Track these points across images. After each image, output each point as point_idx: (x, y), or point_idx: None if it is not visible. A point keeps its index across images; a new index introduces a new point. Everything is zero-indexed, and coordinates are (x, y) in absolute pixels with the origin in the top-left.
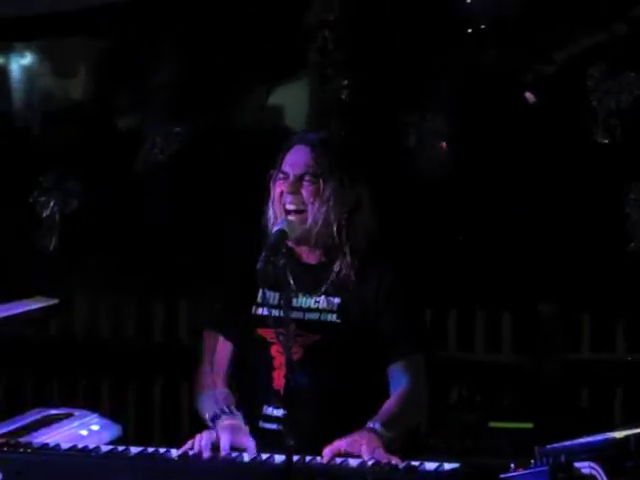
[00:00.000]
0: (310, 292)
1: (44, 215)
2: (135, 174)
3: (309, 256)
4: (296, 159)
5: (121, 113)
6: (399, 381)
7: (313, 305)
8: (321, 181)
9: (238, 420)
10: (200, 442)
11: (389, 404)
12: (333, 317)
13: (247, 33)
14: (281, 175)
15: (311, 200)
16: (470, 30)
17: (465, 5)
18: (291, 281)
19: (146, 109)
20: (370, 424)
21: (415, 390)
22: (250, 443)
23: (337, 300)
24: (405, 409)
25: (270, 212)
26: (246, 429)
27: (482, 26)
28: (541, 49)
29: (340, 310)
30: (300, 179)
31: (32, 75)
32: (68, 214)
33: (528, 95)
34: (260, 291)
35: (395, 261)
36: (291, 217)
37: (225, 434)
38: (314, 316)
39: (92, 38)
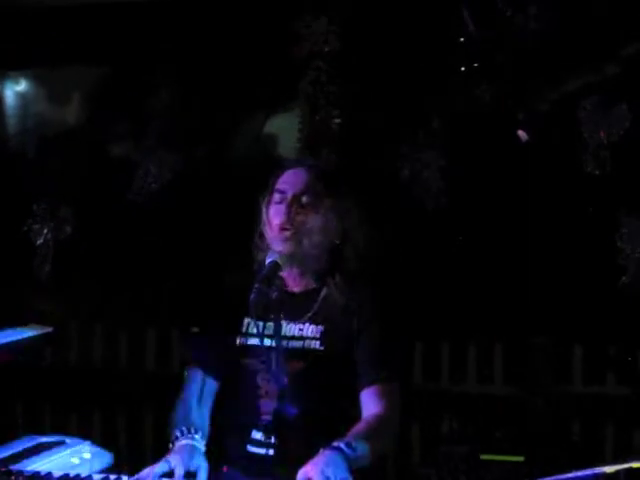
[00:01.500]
0: (294, 319)
1: (38, 243)
2: (128, 202)
3: (295, 283)
4: (293, 179)
5: (115, 141)
6: (371, 406)
7: (297, 333)
8: (318, 202)
9: (193, 441)
10: (153, 472)
11: (358, 427)
12: (316, 344)
13: (241, 63)
14: (277, 196)
15: (308, 221)
16: (463, 68)
17: (458, 43)
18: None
19: (140, 137)
20: (336, 443)
21: (387, 417)
22: (203, 465)
23: (321, 328)
24: (374, 433)
25: (263, 237)
26: (201, 450)
27: (475, 64)
28: (533, 88)
29: (323, 337)
30: (298, 199)
31: (27, 102)
32: (62, 241)
33: (521, 133)
34: (244, 320)
35: (377, 290)
36: (286, 235)
37: (176, 460)
38: (298, 344)
39: (87, 66)
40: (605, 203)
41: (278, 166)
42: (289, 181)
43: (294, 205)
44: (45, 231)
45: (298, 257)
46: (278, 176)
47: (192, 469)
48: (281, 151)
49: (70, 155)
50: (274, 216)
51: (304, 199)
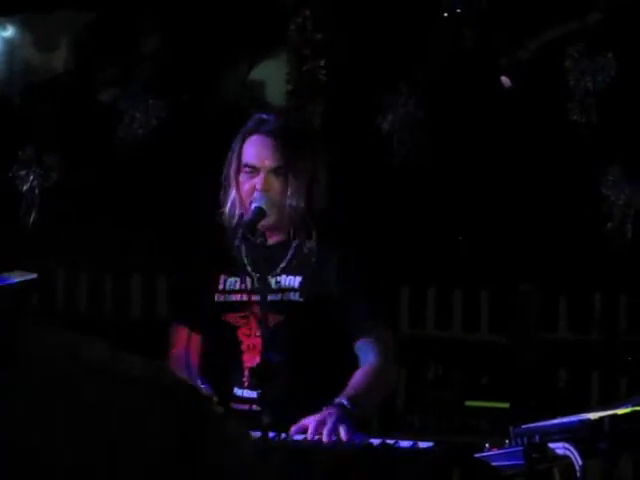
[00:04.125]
0: (270, 272)
1: (24, 189)
2: (114, 148)
3: (267, 236)
4: (261, 151)
5: (102, 87)
6: (367, 356)
7: (274, 285)
8: (289, 174)
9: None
10: None
11: (356, 379)
12: (295, 296)
13: (228, 9)
14: (247, 169)
15: (282, 196)
16: (446, 14)
17: None
18: (247, 264)
19: (126, 83)
20: (338, 400)
21: (383, 364)
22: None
23: (298, 278)
24: (372, 384)
25: (233, 204)
26: (212, 394)
27: (458, 10)
28: (516, 35)
29: (302, 288)
30: (271, 173)
31: (13, 47)
32: (48, 188)
33: (504, 79)
34: (221, 277)
35: (357, 240)
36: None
37: None
38: (276, 297)
39: (74, 11)
40: (590, 151)
41: (243, 126)
42: (258, 155)
43: (268, 181)
44: (31, 178)
45: (272, 226)
46: (243, 142)
47: None
48: (269, 97)
49: (57, 101)
50: (247, 191)
51: (278, 173)
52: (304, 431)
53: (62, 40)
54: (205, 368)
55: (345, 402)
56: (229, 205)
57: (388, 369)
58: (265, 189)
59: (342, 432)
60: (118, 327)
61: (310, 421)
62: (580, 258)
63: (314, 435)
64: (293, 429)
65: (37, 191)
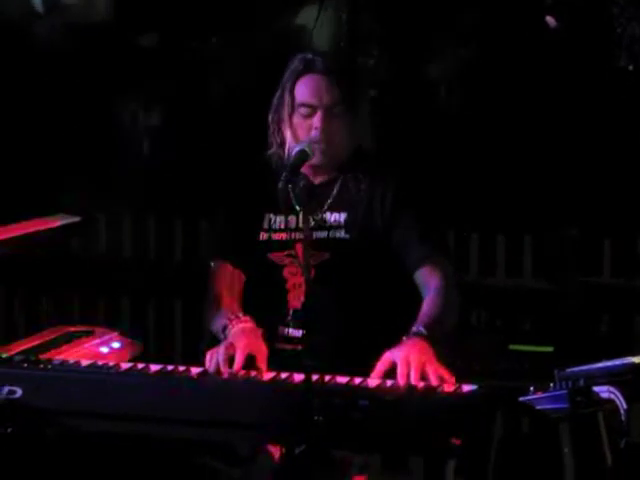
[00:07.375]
0: (316, 210)
1: None
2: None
3: (314, 176)
4: (317, 90)
5: (145, 30)
6: (428, 283)
7: (320, 223)
8: (347, 110)
9: (249, 323)
10: (217, 356)
11: (427, 306)
12: (341, 233)
13: None
14: (303, 109)
15: (341, 133)
16: None
17: None
18: (293, 203)
19: (169, 28)
20: (415, 328)
21: (447, 288)
22: (263, 346)
23: (343, 215)
24: (442, 308)
25: (283, 145)
26: (258, 331)
27: None
28: None
29: (348, 225)
30: (329, 112)
31: None
32: None
33: (549, 19)
34: (266, 216)
35: (401, 172)
36: (316, 147)
37: (240, 342)
38: (322, 234)
39: None
40: (636, 96)
41: (291, 65)
42: (316, 93)
43: (326, 119)
44: None
45: (325, 163)
46: (295, 82)
47: (254, 352)
48: (315, 44)
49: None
50: (303, 131)
51: (335, 110)
52: (392, 368)
53: None
54: (248, 308)
55: (422, 330)
56: (278, 146)
57: (451, 293)
58: (324, 127)
59: (431, 376)
60: (160, 272)
61: (396, 357)
62: (625, 202)
63: (404, 372)
64: (379, 365)
65: None
